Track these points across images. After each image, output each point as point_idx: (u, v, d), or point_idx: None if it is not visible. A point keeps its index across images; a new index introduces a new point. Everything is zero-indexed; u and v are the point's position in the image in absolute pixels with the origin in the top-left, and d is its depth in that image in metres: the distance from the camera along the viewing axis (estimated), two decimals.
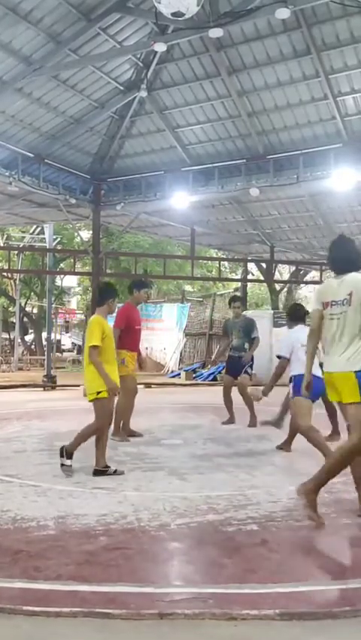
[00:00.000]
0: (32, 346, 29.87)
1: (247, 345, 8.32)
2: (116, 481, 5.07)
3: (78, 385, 14.10)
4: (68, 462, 5.27)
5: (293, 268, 24.86)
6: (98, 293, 5.76)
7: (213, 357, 19.87)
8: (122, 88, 11.42)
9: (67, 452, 5.28)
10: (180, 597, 2.85)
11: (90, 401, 5.34)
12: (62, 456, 5.30)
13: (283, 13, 7.97)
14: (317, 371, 5.60)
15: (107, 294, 5.67)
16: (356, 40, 9.58)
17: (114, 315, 6.96)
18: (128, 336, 7.09)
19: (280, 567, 3.23)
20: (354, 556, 3.52)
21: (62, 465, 5.28)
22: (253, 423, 8.05)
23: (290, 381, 5.87)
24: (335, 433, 6.98)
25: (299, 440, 7.24)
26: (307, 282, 27.62)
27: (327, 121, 11.14)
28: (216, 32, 8.49)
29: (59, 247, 23.88)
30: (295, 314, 6.45)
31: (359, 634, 2.61)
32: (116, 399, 6.63)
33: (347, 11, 9.10)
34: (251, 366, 8.44)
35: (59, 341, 34.70)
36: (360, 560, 3.48)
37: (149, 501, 4.45)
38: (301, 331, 5.92)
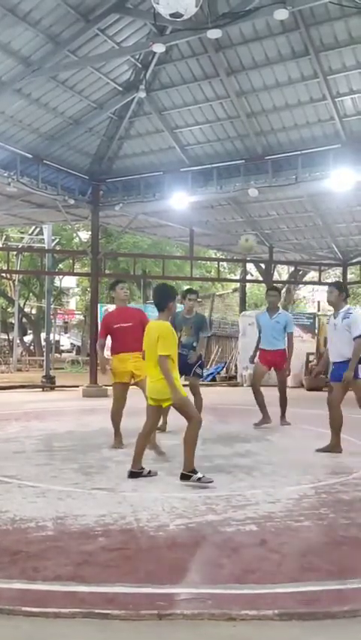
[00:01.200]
0: (31, 347, 29.91)
1: (195, 344, 7.86)
2: (115, 482, 5.07)
3: (77, 386, 14.11)
4: (198, 474, 4.91)
5: (292, 269, 24.87)
6: (157, 296, 5.26)
7: (212, 357, 19.91)
8: (120, 89, 11.43)
9: (191, 471, 4.92)
10: (179, 597, 2.85)
11: (170, 406, 5.12)
12: (189, 478, 4.91)
13: (281, 14, 7.99)
14: None
15: (166, 296, 5.20)
16: (355, 40, 9.60)
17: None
18: (112, 339, 6.78)
19: (279, 567, 3.23)
20: (353, 557, 3.52)
21: (199, 479, 4.88)
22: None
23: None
24: None
25: (298, 438, 7.26)
26: (306, 283, 27.67)
27: (325, 121, 11.16)
28: (214, 33, 8.50)
29: (57, 248, 23.90)
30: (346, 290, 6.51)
31: (359, 634, 2.61)
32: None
33: (345, 12, 9.13)
34: (201, 366, 8.07)
35: (57, 342, 34.74)
36: (359, 559, 3.48)
37: (148, 501, 4.45)
38: None
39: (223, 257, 21.52)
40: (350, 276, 20.28)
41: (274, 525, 3.93)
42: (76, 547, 3.50)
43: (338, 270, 20.74)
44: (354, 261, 17.68)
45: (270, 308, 8.57)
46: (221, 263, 24.94)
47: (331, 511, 4.28)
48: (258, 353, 8.62)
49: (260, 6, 8.24)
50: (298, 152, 11.43)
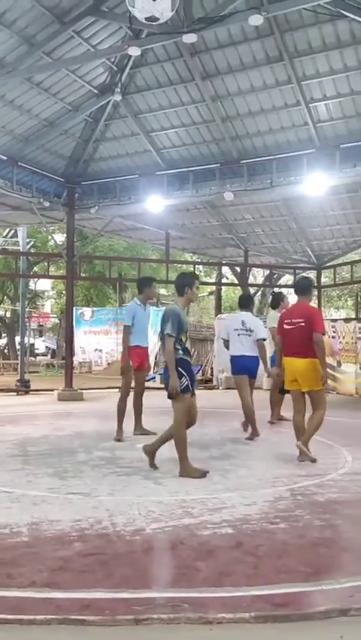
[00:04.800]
0: (6, 350, 29.53)
1: None
2: (91, 486, 5.04)
3: (52, 390, 13.98)
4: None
5: (267, 272, 25.06)
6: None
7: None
8: (96, 91, 11.39)
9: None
10: (155, 602, 2.85)
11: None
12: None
13: (256, 19, 8.04)
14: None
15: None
16: (328, 47, 9.71)
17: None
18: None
19: (255, 570, 3.25)
20: (328, 558, 3.55)
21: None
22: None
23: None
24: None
25: (273, 441, 7.31)
26: (280, 286, 27.82)
27: (300, 127, 11.27)
28: (190, 38, 8.51)
29: (32, 250, 23.67)
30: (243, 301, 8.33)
31: (333, 635, 2.63)
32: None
33: (319, 19, 9.24)
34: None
35: (32, 345, 34.35)
36: (334, 561, 3.52)
37: (124, 506, 4.44)
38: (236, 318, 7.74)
39: (199, 260, 21.57)
40: (323, 280, 20.50)
41: (250, 527, 3.96)
42: (51, 552, 3.47)
43: (313, 274, 20.95)
44: (328, 264, 17.87)
45: (144, 301, 7.69)
46: (197, 266, 25.01)
47: (306, 512, 4.32)
48: (129, 352, 7.50)
49: (235, 11, 8.30)
50: (273, 157, 11.50)
